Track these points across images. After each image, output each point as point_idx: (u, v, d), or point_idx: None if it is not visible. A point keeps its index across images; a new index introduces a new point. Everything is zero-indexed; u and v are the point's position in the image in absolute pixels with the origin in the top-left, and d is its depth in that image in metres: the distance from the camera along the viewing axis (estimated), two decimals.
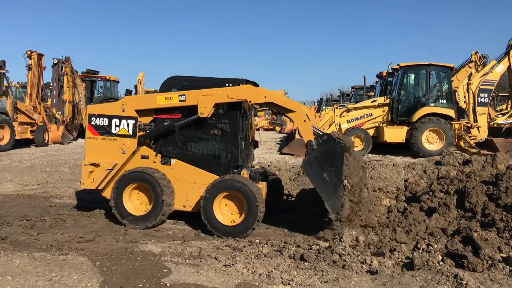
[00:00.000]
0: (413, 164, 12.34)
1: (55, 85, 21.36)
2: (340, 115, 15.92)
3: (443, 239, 5.88)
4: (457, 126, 15.70)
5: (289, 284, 4.60)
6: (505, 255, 5.17)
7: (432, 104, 15.79)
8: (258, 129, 50.01)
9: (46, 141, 19.04)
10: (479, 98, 16.13)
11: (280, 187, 8.23)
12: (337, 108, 16.36)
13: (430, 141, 15.27)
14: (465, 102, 17.54)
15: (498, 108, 24.26)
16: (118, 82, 26.61)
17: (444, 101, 15.96)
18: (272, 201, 7.69)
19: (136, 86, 29.22)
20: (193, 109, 6.74)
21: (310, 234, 6.74)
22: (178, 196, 6.87)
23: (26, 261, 4.97)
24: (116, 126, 6.99)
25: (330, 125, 15.84)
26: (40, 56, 21.55)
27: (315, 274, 4.90)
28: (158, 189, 6.62)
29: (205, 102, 6.63)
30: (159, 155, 7.00)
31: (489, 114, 17.31)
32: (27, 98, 19.86)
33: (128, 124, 6.95)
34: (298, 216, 7.82)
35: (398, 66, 16.47)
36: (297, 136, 15.39)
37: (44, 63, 22.18)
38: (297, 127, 16.00)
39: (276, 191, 7.96)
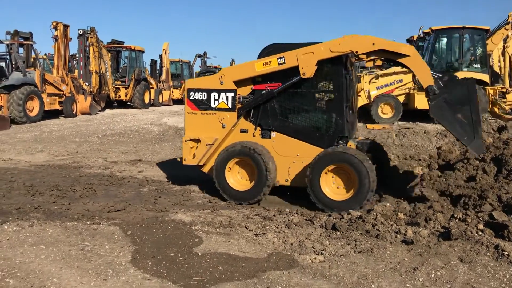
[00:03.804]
0: (445, 131, 11.99)
1: (81, 56, 21.43)
2: (369, 82, 15.47)
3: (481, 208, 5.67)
4: (491, 91, 15.11)
5: (321, 254, 4.51)
6: None
7: (466, 69, 15.17)
8: None
9: (74, 112, 19.23)
10: None
11: (386, 158, 7.75)
12: (366, 74, 15.90)
13: None
14: (499, 66, 16.87)
15: None
16: (143, 52, 26.53)
17: (478, 66, 15.33)
18: (381, 174, 7.04)
19: (161, 56, 29.12)
20: (294, 72, 6.39)
21: None
22: (280, 171, 6.63)
23: (59, 230, 5.01)
24: (215, 99, 6.82)
25: (359, 92, 15.48)
26: (65, 27, 21.56)
27: (348, 244, 4.80)
28: (262, 164, 6.39)
29: (306, 60, 6.26)
30: (258, 128, 6.77)
31: None
32: (54, 69, 19.98)
33: (227, 97, 6.76)
34: None
35: (429, 30, 15.84)
36: None
37: (70, 34, 22.24)
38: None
39: (382, 163, 7.41)
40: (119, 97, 23.63)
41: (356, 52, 6.15)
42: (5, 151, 10.98)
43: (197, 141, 6.98)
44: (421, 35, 17.10)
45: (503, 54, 16.78)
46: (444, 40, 15.80)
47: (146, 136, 13.33)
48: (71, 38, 21.78)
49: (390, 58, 6.36)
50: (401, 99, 15.31)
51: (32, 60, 19.68)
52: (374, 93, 15.30)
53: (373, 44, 6.11)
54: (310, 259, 4.38)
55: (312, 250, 4.63)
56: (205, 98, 6.86)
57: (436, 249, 4.50)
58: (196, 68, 34.79)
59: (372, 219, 5.40)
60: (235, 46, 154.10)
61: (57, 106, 18.79)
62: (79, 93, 20.01)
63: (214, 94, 6.81)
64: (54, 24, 21.11)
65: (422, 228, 5.19)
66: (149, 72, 27.91)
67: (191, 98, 6.94)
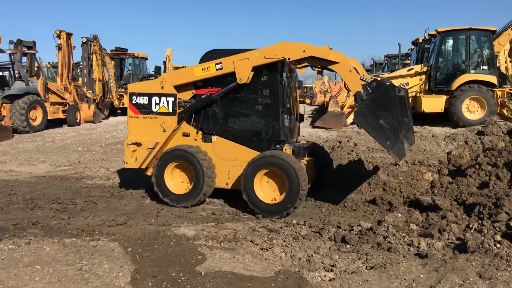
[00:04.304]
0: (453, 135, 11.75)
1: (85, 64, 21.35)
2: None
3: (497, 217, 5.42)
4: (499, 93, 14.87)
5: (331, 270, 4.28)
6: None
7: (473, 71, 14.95)
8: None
9: (78, 121, 19.11)
10: None
11: (329, 161, 7.82)
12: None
13: (471, 110, 14.52)
14: (506, 67, 16.59)
15: None
16: (146, 59, 26.45)
17: (486, 67, 15.08)
18: (322, 177, 7.48)
19: (164, 63, 29.00)
20: (232, 78, 6.49)
21: (349, 214, 6.41)
22: (220, 174, 6.69)
23: (56, 248, 4.81)
24: (156, 104, 6.88)
25: None
26: (69, 35, 21.50)
27: (359, 258, 4.57)
28: (199, 167, 6.45)
29: (242, 66, 6.36)
30: (200, 132, 6.88)
31: None
32: (58, 78, 19.89)
33: (167, 102, 6.82)
34: (335, 193, 7.47)
35: (435, 32, 15.60)
36: (330, 109, 14.88)
37: (73, 43, 22.16)
38: (329, 98, 15.57)
39: (325, 166, 7.60)
40: (123, 104, 23.50)
41: (289, 58, 6.23)
42: (6, 162, 10.82)
43: (138, 144, 7.03)
44: (427, 37, 16.84)
45: (510, 55, 16.51)
46: (451, 42, 15.58)
47: None
48: (74, 46, 21.71)
49: (321, 65, 6.38)
50: None
51: (36, 69, 19.58)
52: None
53: (304, 51, 6.18)
54: (320, 276, 4.15)
55: (321, 266, 4.40)
56: (147, 102, 6.93)
57: (453, 263, 4.26)
58: None
59: (383, 231, 5.17)
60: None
61: (61, 115, 18.67)
62: (82, 102, 19.90)
63: (155, 99, 6.88)
64: (58, 32, 21.05)
65: (436, 239, 4.96)
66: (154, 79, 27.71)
67: (133, 102, 7.01)
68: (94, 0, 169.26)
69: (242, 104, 6.69)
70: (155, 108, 6.89)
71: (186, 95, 6.91)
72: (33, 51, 19.06)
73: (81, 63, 22.04)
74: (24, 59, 19.68)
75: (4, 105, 15.76)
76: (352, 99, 15.61)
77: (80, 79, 22.29)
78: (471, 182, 7.08)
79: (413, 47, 19.85)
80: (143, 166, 7.05)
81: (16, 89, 16.09)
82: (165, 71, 28.95)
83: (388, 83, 5.96)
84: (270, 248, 4.87)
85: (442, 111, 14.88)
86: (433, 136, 12.08)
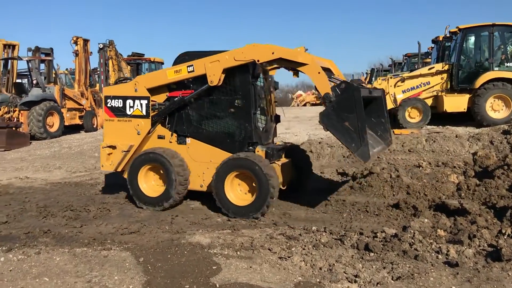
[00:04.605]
0: (477, 135, 11.33)
1: (102, 69, 21.37)
2: (395, 85, 14.82)
3: None
4: None
5: (355, 281, 4.01)
6: None
7: (497, 68, 14.42)
8: (305, 105, 49.07)
9: (94, 126, 19.12)
10: None
11: (307, 163, 7.67)
12: (391, 77, 15.29)
13: (495, 109, 14.01)
14: None
15: None
16: (162, 63, 26.38)
17: (510, 64, 14.54)
18: (301, 179, 7.44)
19: None
20: (204, 80, 6.48)
21: (372, 219, 6.11)
22: (195, 176, 6.69)
23: (67, 258, 4.63)
24: (130, 107, 6.90)
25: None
26: (86, 41, 21.59)
27: (384, 268, 4.28)
28: (171, 169, 6.46)
29: (213, 68, 6.34)
30: (174, 134, 6.87)
31: None
32: (76, 84, 19.96)
33: (141, 104, 6.84)
34: (355, 197, 7.18)
35: (456, 29, 15.13)
36: None
37: (90, 48, 22.25)
38: None
39: (303, 168, 7.52)
40: None
41: (258, 60, 6.19)
42: (23, 168, 10.79)
43: (114, 147, 7.04)
44: (448, 35, 16.36)
45: None
46: (473, 39, 15.07)
47: None
48: (91, 52, 21.80)
49: (290, 66, 6.30)
50: (429, 102, 14.63)
51: (54, 75, 19.68)
52: (400, 96, 14.67)
53: (273, 53, 6.13)
54: None
55: (344, 276, 4.13)
56: (121, 105, 6.95)
57: (487, 273, 3.95)
58: None
59: (409, 238, 4.87)
60: None
61: (78, 121, 18.69)
62: (99, 107, 19.90)
63: (129, 101, 6.90)
64: (75, 39, 21.14)
65: (466, 246, 4.65)
66: None
67: (108, 105, 7.05)
68: (110, 6, 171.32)
69: (214, 106, 6.66)
70: (129, 111, 6.89)
71: (161, 98, 6.89)
72: (50, 58, 19.17)
73: (98, 69, 22.09)
74: (42, 66, 19.84)
75: (21, 112, 15.83)
76: None
77: (98, 85, 22.34)
78: (500, 184, 6.73)
79: (433, 46, 19.34)
80: (119, 169, 7.07)
81: (33, 95, 16.15)
82: None
83: (355, 85, 5.85)
84: (289, 257, 4.61)
85: (465, 110, 14.40)
86: (456, 137, 11.67)
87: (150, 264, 4.46)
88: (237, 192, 6.34)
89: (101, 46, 21.26)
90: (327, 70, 6.60)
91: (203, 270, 4.29)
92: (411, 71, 17.39)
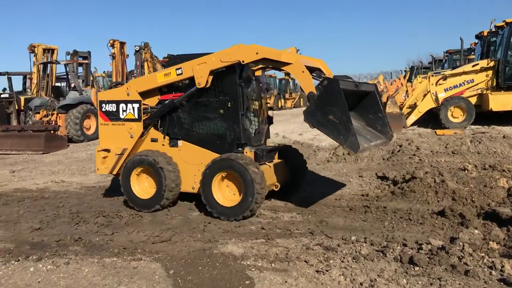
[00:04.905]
0: None
1: (138, 72, 21.54)
2: (436, 83, 14.20)
3: None
4: None
5: None
6: None
7: None
8: None
9: None
10: None
11: (302, 163, 7.59)
12: (432, 75, 14.67)
13: None
14: None
15: None
16: None
17: None
18: (296, 180, 7.41)
19: None
20: (193, 83, 6.54)
21: (416, 228, 5.72)
22: (187, 178, 6.72)
23: (95, 269, 4.48)
24: (123, 111, 7.00)
25: (424, 95, 14.24)
26: (122, 44, 21.84)
27: (431, 284, 3.93)
28: (160, 172, 6.54)
29: (200, 71, 6.39)
30: (167, 137, 6.95)
31: None
32: None
33: (133, 108, 6.93)
34: (396, 204, 6.79)
35: (503, 23, 14.36)
36: (387, 110, 13.97)
37: (126, 51, 22.48)
38: (387, 98, 14.70)
39: (298, 169, 7.46)
40: None
41: (243, 61, 6.18)
42: (59, 172, 10.88)
43: (108, 151, 7.16)
44: (493, 30, 15.57)
45: None
46: None
47: None
48: (128, 55, 22.05)
49: (275, 66, 6.38)
50: (473, 100, 13.94)
51: (91, 78, 19.96)
52: (442, 95, 14.06)
53: (257, 53, 6.12)
54: None
55: None
56: (115, 109, 7.05)
57: None
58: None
59: (458, 250, 4.48)
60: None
61: None
62: None
63: (122, 105, 6.99)
64: (111, 42, 21.42)
65: None
66: None
67: (103, 110, 7.17)
68: (147, 7, 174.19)
69: (203, 108, 6.71)
70: (123, 115, 6.99)
71: (153, 101, 6.98)
72: (88, 61, 19.43)
73: (135, 71, 22.29)
74: (80, 69, 20.15)
75: (59, 115, 16.07)
76: (412, 99, 14.72)
77: None
78: None
79: (476, 41, 18.51)
80: (114, 172, 7.21)
81: (71, 99, 16.36)
82: None
83: (333, 78, 5.85)
84: (327, 271, 4.31)
85: None
86: (504, 137, 11.05)
87: (180, 277, 4.25)
88: (225, 193, 6.35)
89: (137, 48, 21.42)
90: (317, 70, 6.58)
91: (235, 285, 4.05)
92: (453, 68, 16.68)
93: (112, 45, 21.63)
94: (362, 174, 9.01)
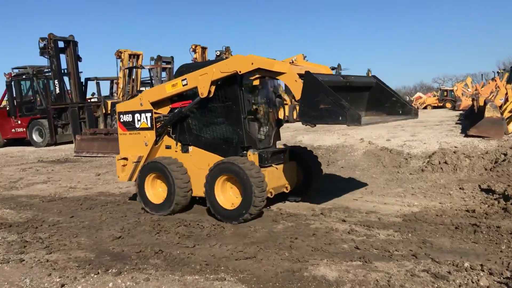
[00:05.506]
0: None
1: None
2: None
3: None
4: None
5: None
6: None
7: None
8: (425, 107, 45.86)
9: None
10: None
11: (316, 165, 7.55)
12: None
13: None
14: None
15: None
16: None
17: None
18: (309, 181, 7.40)
19: None
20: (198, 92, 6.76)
21: None
22: (198, 183, 6.82)
23: None
24: (138, 120, 7.37)
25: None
26: (203, 49, 22.06)
27: None
28: (170, 177, 6.79)
29: (202, 81, 6.58)
30: (179, 144, 7.21)
31: None
32: None
33: (146, 117, 7.27)
34: (511, 223, 5.88)
35: None
36: (487, 114, 12.69)
37: (208, 56, 22.69)
38: (484, 101, 13.42)
39: (312, 170, 7.45)
40: None
41: (240, 71, 6.29)
42: None
43: (126, 159, 7.50)
44: None
45: None
46: None
47: None
48: (209, 59, 22.20)
49: (270, 76, 6.40)
50: None
51: None
52: None
53: (252, 64, 6.20)
54: None
55: None
56: (131, 119, 7.44)
57: None
58: None
59: None
60: (372, 57, 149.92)
61: None
62: None
63: (137, 115, 7.37)
64: (193, 47, 21.69)
65: None
66: (283, 88, 27.49)
67: (121, 120, 7.57)
68: (227, 12, 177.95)
69: (209, 114, 6.94)
70: (138, 124, 7.37)
71: (165, 110, 7.27)
72: (171, 66, 19.76)
73: None
74: (164, 74, 20.56)
75: None
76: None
77: None
78: None
79: None
80: (132, 179, 7.50)
81: None
82: None
83: (305, 74, 5.72)
84: None
85: None
86: None
87: None
88: (228, 195, 6.51)
89: (218, 53, 21.43)
90: None
91: None
92: None
93: (194, 50, 21.92)
94: (462, 186, 8.07)
